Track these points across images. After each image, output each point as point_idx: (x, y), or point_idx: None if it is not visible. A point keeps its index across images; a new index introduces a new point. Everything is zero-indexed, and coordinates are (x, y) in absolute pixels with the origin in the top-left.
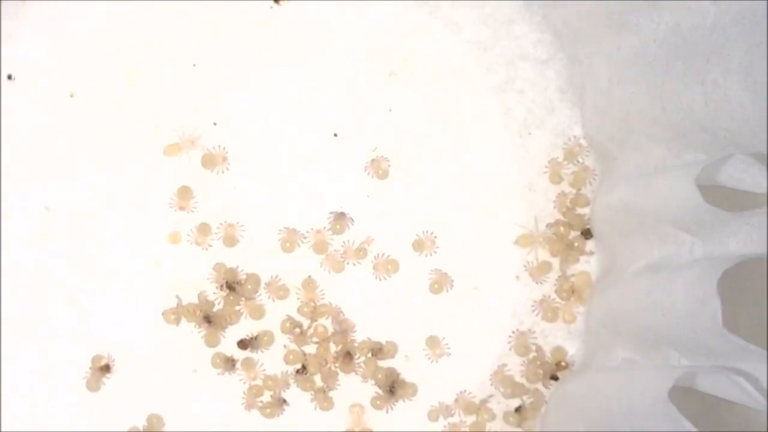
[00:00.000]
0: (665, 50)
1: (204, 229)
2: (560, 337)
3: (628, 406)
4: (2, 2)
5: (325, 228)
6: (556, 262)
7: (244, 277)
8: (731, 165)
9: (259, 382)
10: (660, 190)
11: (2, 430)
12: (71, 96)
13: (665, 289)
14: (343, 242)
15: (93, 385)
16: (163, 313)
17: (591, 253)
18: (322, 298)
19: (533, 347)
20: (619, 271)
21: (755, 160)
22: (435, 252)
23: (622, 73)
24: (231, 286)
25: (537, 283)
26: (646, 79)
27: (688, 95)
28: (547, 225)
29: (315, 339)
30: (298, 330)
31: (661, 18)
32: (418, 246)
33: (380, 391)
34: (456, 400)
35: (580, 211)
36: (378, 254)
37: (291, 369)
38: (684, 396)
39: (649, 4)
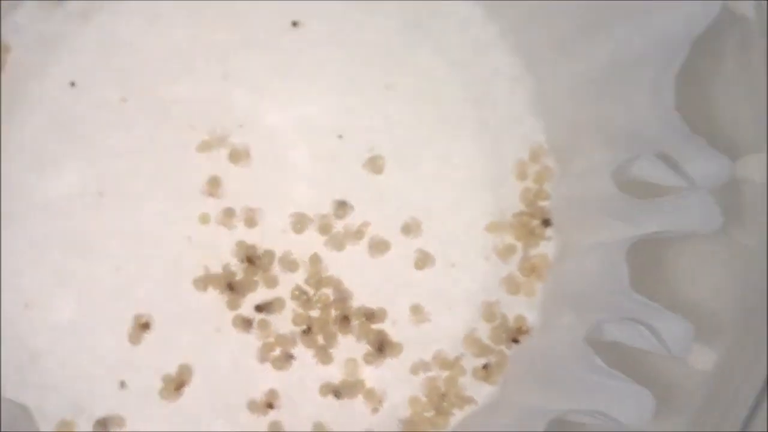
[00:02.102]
0: (605, 74)
1: (229, 212)
2: (521, 308)
3: (557, 354)
4: None
5: (329, 213)
6: (519, 245)
7: (261, 252)
8: (641, 162)
9: (271, 339)
10: (594, 186)
11: (49, 370)
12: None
13: (592, 261)
14: (344, 226)
15: (135, 339)
16: (193, 281)
17: (549, 238)
18: (326, 272)
19: (498, 315)
20: (571, 252)
21: (658, 158)
22: (420, 235)
23: (575, 91)
24: (250, 259)
25: (503, 263)
26: (591, 97)
27: (616, 109)
28: (513, 215)
29: (319, 305)
30: (305, 297)
31: (602, 46)
32: (406, 230)
33: (371, 349)
34: (434, 358)
35: (541, 203)
36: (373, 236)
37: (298, 329)
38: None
39: (594, 32)
